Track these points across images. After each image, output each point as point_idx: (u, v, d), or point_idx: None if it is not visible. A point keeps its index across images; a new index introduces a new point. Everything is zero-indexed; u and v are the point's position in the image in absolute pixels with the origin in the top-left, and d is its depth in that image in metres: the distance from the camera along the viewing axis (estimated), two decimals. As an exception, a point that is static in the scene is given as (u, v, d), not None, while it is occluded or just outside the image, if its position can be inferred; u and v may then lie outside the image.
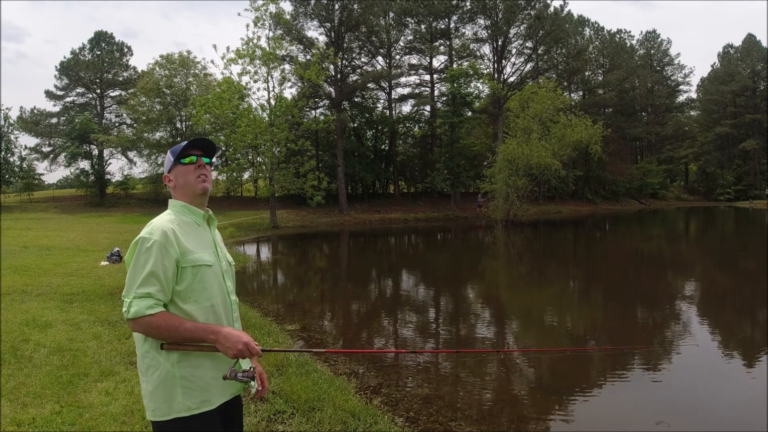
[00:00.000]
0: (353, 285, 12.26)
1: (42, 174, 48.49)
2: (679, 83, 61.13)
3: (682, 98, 62.45)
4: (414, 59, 43.61)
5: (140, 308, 1.72)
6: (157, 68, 39.30)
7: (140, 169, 43.95)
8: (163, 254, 1.76)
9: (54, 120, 44.68)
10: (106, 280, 10.31)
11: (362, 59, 41.58)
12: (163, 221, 1.85)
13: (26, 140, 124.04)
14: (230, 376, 1.80)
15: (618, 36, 55.19)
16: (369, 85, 40.76)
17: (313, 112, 40.06)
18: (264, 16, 26.03)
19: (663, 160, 58.80)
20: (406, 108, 45.94)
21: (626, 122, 53.40)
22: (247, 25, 26.11)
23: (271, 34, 27.32)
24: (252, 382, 1.90)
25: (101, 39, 45.04)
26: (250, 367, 1.87)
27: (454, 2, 40.97)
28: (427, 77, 43.81)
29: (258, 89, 61.18)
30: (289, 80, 32.82)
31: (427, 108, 44.04)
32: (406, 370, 5.68)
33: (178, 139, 39.79)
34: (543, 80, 40.26)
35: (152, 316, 1.72)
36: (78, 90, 45.25)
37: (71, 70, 43.84)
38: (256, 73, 26.07)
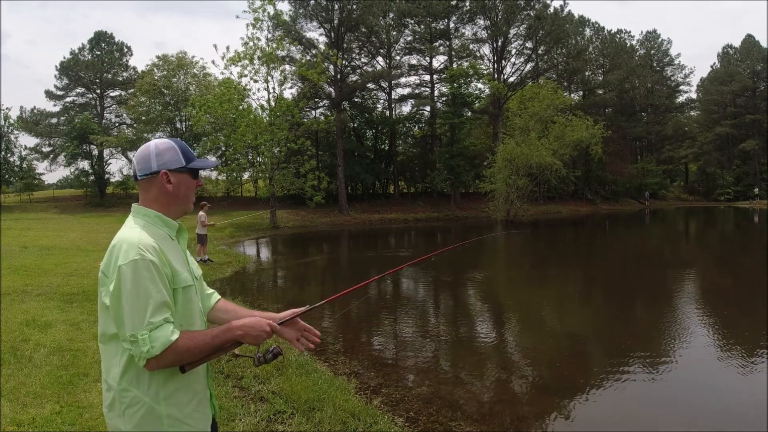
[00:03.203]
0: (353, 285, 12.23)
1: (42, 174, 48.49)
2: (679, 83, 61.11)
3: (682, 98, 62.49)
4: (414, 59, 43.66)
5: (165, 338, 1.46)
6: (155, 69, 39.32)
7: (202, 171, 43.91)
8: (162, 275, 1.53)
9: (54, 120, 44.68)
10: (106, 280, 10.31)
11: (362, 59, 41.60)
12: (144, 235, 1.57)
13: (26, 140, 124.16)
14: (261, 361, 1.73)
15: (618, 36, 55.17)
16: (369, 85, 40.75)
17: (313, 112, 40.07)
18: (263, 17, 26.06)
19: (663, 160, 58.79)
20: (406, 108, 46.00)
21: (626, 122, 53.39)
22: (247, 26, 26.13)
23: (270, 35, 27.36)
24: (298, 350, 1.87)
25: (101, 39, 45.05)
26: (274, 345, 1.79)
27: (453, 3, 40.97)
28: (427, 77, 43.83)
29: (258, 89, 61.28)
30: (290, 80, 32.92)
31: (427, 108, 44.04)
32: (406, 370, 5.68)
33: (178, 139, 39.83)
34: (543, 80, 40.31)
35: (178, 341, 1.49)
36: (78, 90, 45.27)
37: (71, 70, 43.84)
38: (256, 73, 26.11)
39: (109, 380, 1.59)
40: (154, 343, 1.45)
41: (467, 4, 41.39)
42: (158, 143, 1.73)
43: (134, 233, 1.57)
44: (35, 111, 44.37)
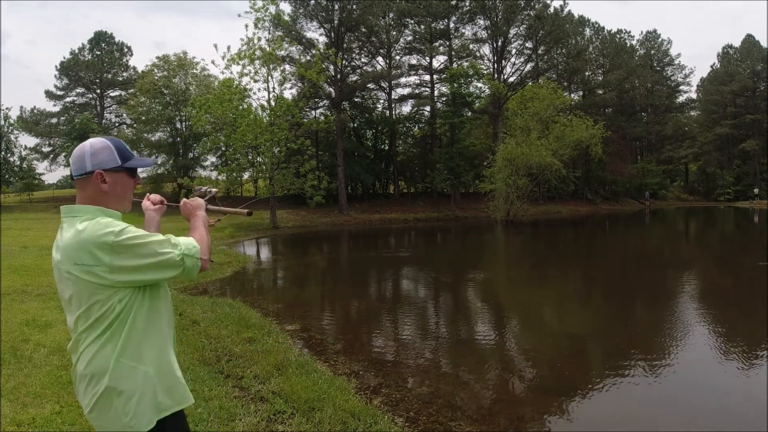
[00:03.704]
0: (353, 284, 12.26)
1: (42, 174, 48.56)
2: (679, 83, 61.14)
3: (682, 98, 62.51)
4: (414, 59, 43.65)
5: (191, 243, 1.79)
6: (156, 69, 39.34)
7: (140, 169, 43.89)
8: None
9: (54, 120, 44.73)
10: (106, 280, 10.30)
11: (362, 59, 41.60)
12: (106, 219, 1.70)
13: (26, 140, 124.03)
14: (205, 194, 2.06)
15: (618, 36, 55.18)
16: (369, 85, 40.75)
17: (313, 112, 40.08)
18: (264, 17, 26.06)
19: (663, 160, 58.81)
20: (406, 108, 46.01)
21: (626, 122, 53.40)
22: (246, 26, 26.13)
23: (269, 36, 27.35)
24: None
25: (101, 39, 45.10)
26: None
27: (453, 3, 40.97)
28: (427, 77, 43.83)
29: (258, 89, 61.29)
30: (290, 80, 32.91)
31: (427, 108, 44.05)
32: (406, 370, 5.68)
33: (178, 139, 39.86)
34: (543, 80, 40.32)
35: (197, 246, 1.80)
36: (78, 90, 45.33)
37: (71, 70, 43.88)
38: (256, 73, 26.11)
39: (102, 359, 1.65)
40: (192, 250, 1.75)
41: (467, 4, 41.39)
42: (93, 142, 1.77)
43: (97, 222, 1.67)
44: (35, 111, 44.45)
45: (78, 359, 1.70)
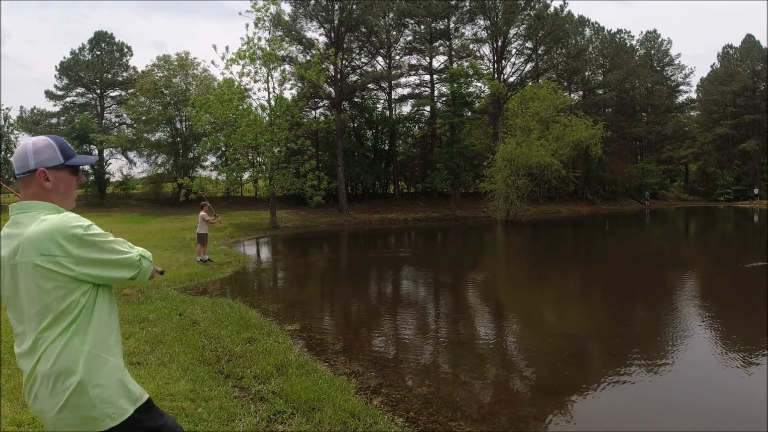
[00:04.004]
0: (353, 284, 12.26)
1: (42, 174, 48.45)
2: (679, 83, 61.13)
3: (682, 98, 62.51)
4: (414, 59, 43.65)
5: (145, 251, 1.86)
6: (156, 69, 39.32)
7: (140, 169, 43.90)
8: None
9: (54, 120, 44.67)
10: (106, 280, 10.29)
11: (362, 59, 41.62)
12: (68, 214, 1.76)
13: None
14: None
15: (618, 36, 55.18)
16: (369, 85, 40.76)
17: (313, 112, 40.10)
18: (265, 17, 26.06)
19: (663, 160, 58.81)
20: (406, 108, 46.00)
21: (626, 122, 53.41)
22: (247, 25, 26.15)
23: (269, 35, 27.35)
24: None
25: (101, 39, 45.06)
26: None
27: (453, 3, 40.97)
28: (427, 77, 43.84)
29: (258, 89, 61.32)
30: (290, 80, 32.91)
31: (427, 108, 44.05)
32: (406, 370, 5.68)
33: (178, 139, 39.84)
34: (543, 80, 40.32)
35: (149, 253, 1.89)
36: (78, 90, 45.27)
37: (71, 70, 43.85)
38: (256, 73, 26.10)
39: (74, 350, 1.65)
40: (147, 254, 1.82)
41: (467, 4, 41.39)
42: (36, 141, 1.80)
43: (66, 214, 1.72)
44: (35, 111, 44.37)
45: (39, 360, 1.66)
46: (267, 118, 26.48)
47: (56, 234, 1.64)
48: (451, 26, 42.49)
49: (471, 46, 43.14)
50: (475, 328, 7.84)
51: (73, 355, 1.65)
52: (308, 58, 33.47)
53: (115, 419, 1.67)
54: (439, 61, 43.77)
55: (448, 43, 42.82)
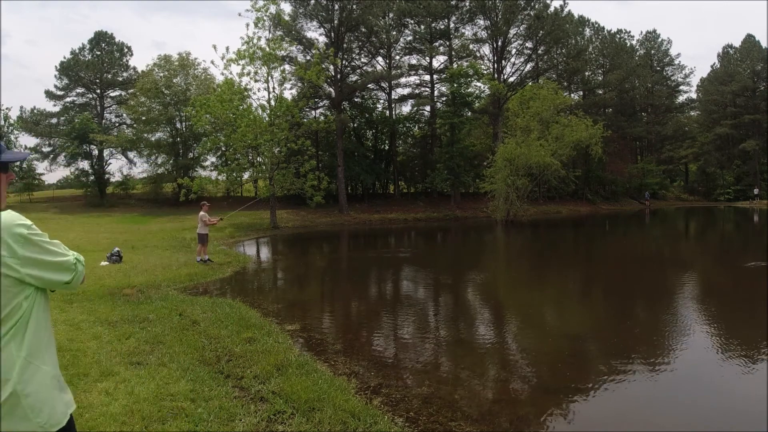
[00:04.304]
0: (353, 284, 12.26)
1: (42, 174, 48.45)
2: (679, 83, 61.11)
3: (682, 98, 62.49)
4: (414, 59, 43.62)
5: (80, 257, 1.83)
6: (157, 69, 39.32)
7: (140, 169, 43.91)
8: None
9: (54, 120, 44.68)
10: (106, 280, 10.32)
11: (362, 59, 41.60)
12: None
13: (26, 140, 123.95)
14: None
15: (618, 36, 55.17)
16: (369, 85, 40.76)
17: (313, 112, 40.09)
18: (265, 17, 26.06)
19: (663, 160, 58.79)
20: (406, 108, 46.00)
21: (626, 122, 53.40)
22: (247, 25, 26.14)
23: (269, 35, 27.34)
24: None
25: (101, 39, 45.05)
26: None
27: (453, 3, 40.97)
28: (427, 77, 43.82)
29: (258, 89, 61.31)
30: (290, 80, 32.91)
31: (427, 108, 44.05)
32: (406, 370, 5.68)
33: (178, 139, 39.84)
34: (543, 81, 40.32)
35: (82, 258, 1.87)
36: (78, 90, 45.27)
37: (71, 70, 43.84)
38: (256, 73, 26.11)
39: (13, 352, 1.58)
40: (81, 258, 1.82)
41: (467, 4, 41.38)
42: None
43: (9, 212, 1.63)
44: (35, 111, 44.37)
45: None
46: (267, 118, 26.48)
47: (2, 233, 1.56)
48: (451, 26, 42.48)
49: (471, 46, 43.13)
50: (475, 328, 7.84)
51: (9, 362, 1.56)
52: (308, 58, 33.47)
53: (49, 430, 1.62)
54: (439, 61, 43.82)
55: (448, 43, 42.81)
